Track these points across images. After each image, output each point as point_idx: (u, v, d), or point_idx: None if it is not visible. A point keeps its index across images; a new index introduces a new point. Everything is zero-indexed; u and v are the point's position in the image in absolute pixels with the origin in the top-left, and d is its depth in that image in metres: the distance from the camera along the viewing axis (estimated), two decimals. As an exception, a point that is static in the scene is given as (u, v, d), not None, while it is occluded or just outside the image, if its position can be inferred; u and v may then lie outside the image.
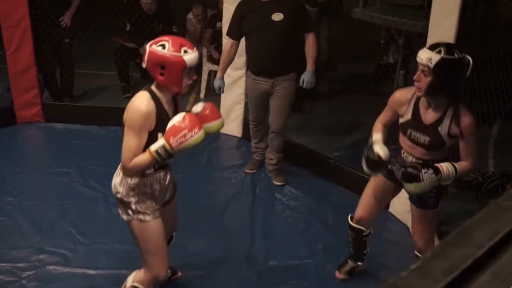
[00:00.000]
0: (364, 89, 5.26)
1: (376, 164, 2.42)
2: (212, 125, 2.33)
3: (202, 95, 5.67)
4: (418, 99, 2.43)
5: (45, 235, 3.27)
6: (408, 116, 2.45)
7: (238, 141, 4.74)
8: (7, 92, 4.83)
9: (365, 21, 4.18)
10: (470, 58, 2.29)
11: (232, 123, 4.76)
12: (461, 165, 2.37)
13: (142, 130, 2.11)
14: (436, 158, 2.42)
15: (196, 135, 2.09)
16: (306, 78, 3.64)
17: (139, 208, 2.27)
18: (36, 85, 4.76)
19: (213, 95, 5.54)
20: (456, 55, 2.25)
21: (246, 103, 4.67)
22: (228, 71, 4.58)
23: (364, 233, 2.86)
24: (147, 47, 2.12)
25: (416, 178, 2.26)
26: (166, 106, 2.23)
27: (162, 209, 2.40)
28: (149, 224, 2.29)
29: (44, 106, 4.87)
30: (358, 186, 3.86)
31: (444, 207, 3.55)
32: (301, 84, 3.68)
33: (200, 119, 2.20)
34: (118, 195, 2.28)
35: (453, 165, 2.33)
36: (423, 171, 2.26)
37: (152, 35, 5.17)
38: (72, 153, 4.32)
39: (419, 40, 3.52)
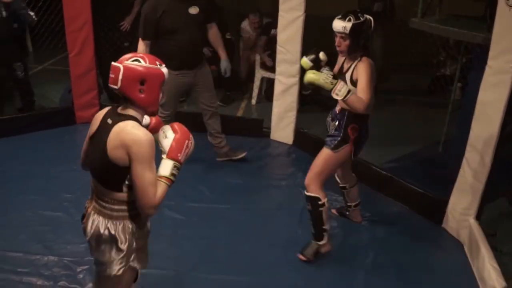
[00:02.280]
0: (418, 100, 5.15)
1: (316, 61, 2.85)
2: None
3: (254, 101, 5.72)
4: (345, 59, 3.05)
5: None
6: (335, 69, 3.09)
7: (289, 148, 4.74)
8: (68, 93, 5.03)
9: (423, 31, 4.10)
10: (371, 18, 2.91)
11: (283, 130, 4.78)
12: (355, 94, 2.81)
13: (152, 160, 1.93)
14: (353, 110, 2.89)
15: (192, 140, 2.06)
16: (227, 67, 4.16)
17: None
18: (96, 87, 4.94)
19: (264, 102, 5.62)
20: (361, 18, 2.85)
21: (298, 111, 4.68)
22: (281, 78, 4.62)
23: (320, 202, 3.06)
24: (119, 65, 1.93)
25: (317, 67, 2.79)
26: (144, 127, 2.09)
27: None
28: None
29: (102, 107, 5.01)
30: (409, 199, 3.81)
31: (501, 223, 3.46)
32: (223, 74, 4.18)
33: (155, 128, 2.16)
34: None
35: (349, 90, 2.77)
36: (326, 68, 2.79)
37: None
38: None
39: (481, 52, 3.42)
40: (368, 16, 2.90)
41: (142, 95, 1.95)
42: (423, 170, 4.29)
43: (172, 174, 1.98)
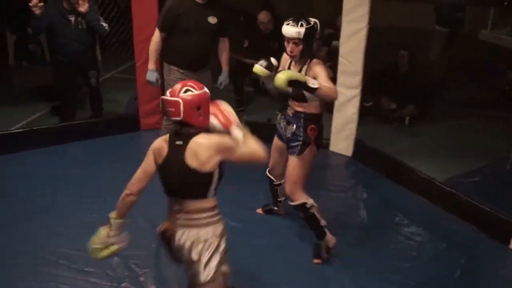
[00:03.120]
0: (485, 113, 4.97)
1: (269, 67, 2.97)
2: None
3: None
4: (290, 62, 3.13)
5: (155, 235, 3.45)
6: None
7: (348, 160, 4.70)
8: (134, 100, 5.22)
9: (492, 44, 3.97)
10: (317, 21, 2.98)
11: (343, 142, 4.74)
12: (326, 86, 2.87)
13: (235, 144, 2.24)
14: (308, 110, 3.08)
15: (224, 106, 2.35)
16: (224, 81, 4.31)
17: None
18: (160, 95, 5.08)
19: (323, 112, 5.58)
20: (311, 23, 2.93)
21: (358, 123, 4.63)
22: (342, 89, 4.59)
23: (308, 205, 3.17)
24: (177, 99, 2.16)
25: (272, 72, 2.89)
26: None
27: None
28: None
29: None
30: (473, 217, 3.67)
31: None
32: (218, 85, 4.23)
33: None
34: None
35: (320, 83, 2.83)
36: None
37: (269, 52, 5.36)
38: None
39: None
40: (315, 20, 2.98)
41: (201, 118, 2.21)
42: (489, 187, 4.12)
43: (244, 131, 2.27)
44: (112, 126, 5.09)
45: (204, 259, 2.25)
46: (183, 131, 2.22)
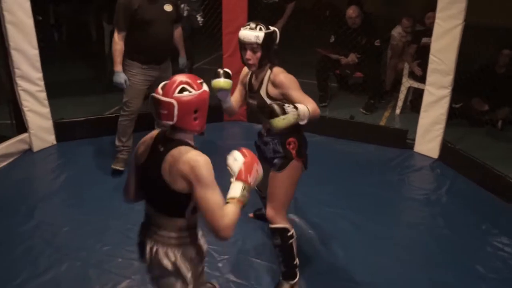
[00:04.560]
0: None
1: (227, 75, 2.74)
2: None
3: (398, 111, 5.55)
4: (252, 73, 2.80)
5: (237, 225, 3.51)
6: (246, 88, 2.86)
7: (434, 162, 4.52)
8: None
9: None
10: (276, 29, 2.67)
11: (429, 143, 4.57)
12: (309, 107, 2.49)
13: (214, 180, 1.83)
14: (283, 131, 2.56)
15: (260, 167, 1.99)
16: (183, 62, 4.27)
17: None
18: (244, 87, 5.18)
19: (408, 112, 5.42)
20: (270, 28, 2.63)
21: (446, 125, 4.45)
22: (432, 89, 4.42)
23: (289, 233, 2.77)
24: (171, 100, 1.82)
25: (282, 111, 2.36)
26: None
27: None
28: None
29: (247, 107, 5.26)
30: None
31: None
32: (181, 67, 4.20)
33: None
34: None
35: (306, 106, 2.47)
36: (286, 105, 2.38)
37: (356, 48, 5.28)
38: (268, 153, 4.60)
39: None
40: (275, 28, 2.66)
41: (196, 122, 1.89)
42: None
43: (243, 196, 1.89)
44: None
45: (169, 283, 1.98)
46: (169, 135, 1.92)
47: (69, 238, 3.35)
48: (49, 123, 4.56)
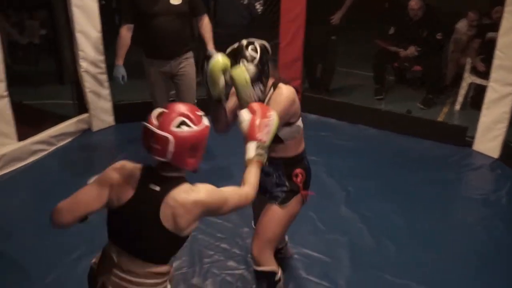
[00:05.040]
0: None
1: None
2: None
3: (457, 107, 5.36)
4: None
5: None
6: None
7: (494, 162, 4.34)
8: (273, 80, 5.32)
9: None
10: (263, 43, 2.20)
11: (489, 142, 4.40)
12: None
13: (216, 191, 1.73)
14: (286, 154, 2.33)
15: (274, 117, 1.94)
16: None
17: None
18: (300, 76, 5.16)
19: (468, 109, 5.23)
20: (256, 50, 2.14)
21: (509, 124, 4.27)
22: (496, 86, 4.25)
23: (276, 278, 2.42)
24: (167, 135, 1.61)
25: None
26: None
27: None
28: None
29: (303, 96, 5.24)
30: None
31: None
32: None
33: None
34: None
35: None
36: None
37: (416, 40, 5.14)
38: (321, 144, 4.55)
39: None
40: (262, 42, 2.20)
41: (192, 160, 1.68)
42: None
43: (258, 154, 1.89)
44: (251, 103, 5.23)
45: None
46: (164, 173, 1.69)
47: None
48: (109, 105, 4.70)
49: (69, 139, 4.47)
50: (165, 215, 1.64)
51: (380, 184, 3.94)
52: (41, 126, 4.33)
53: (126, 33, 3.68)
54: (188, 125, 1.64)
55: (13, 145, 3.96)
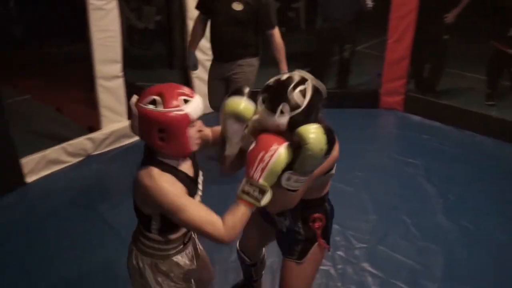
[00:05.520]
0: None
1: None
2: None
3: None
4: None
5: (380, 215, 3.45)
6: None
7: None
8: (377, 77, 5.20)
9: None
10: (317, 86, 1.70)
11: None
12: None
13: (183, 197, 1.64)
14: (309, 196, 1.90)
15: (277, 153, 1.59)
16: None
17: None
18: (405, 75, 4.97)
19: None
20: (306, 95, 1.66)
21: None
22: None
23: (246, 263, 2.41)
24: (134, 109, 1.63)
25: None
26: (185, 167, 1.76)
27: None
28: None
29: (406, 96, 5.06)
30: None
31: None
32: None
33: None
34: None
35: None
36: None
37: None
38: (422, 147, 4.39)
39: None
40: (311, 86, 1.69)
41: (162, 143, 1.63)
42: None
43: (245, 192, 1.61)
44: (352, 100, 5.16)
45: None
46: (150, 152, 1.72)
47: (215, 195, 3.56)
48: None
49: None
50: (135, 189, 1.72)
51: (484, 195, 3.70)
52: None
53: (198, 22, 3.64)
54: (155, 105, 1.61)
55: (123, 122, 4.24)
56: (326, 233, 2.07)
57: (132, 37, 6.91)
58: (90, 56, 3.94)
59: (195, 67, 3.77)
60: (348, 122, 4.81)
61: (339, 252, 3.09)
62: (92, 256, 3.01)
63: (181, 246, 1.89)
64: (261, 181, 1.60)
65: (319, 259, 2.10)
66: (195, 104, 1.64)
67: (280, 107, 1.64)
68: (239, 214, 1.62)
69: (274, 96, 1.66)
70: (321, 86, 1.72)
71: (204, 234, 1.63)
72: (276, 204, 1.72)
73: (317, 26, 5.27)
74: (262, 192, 1.61)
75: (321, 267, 2.93)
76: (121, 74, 4.11)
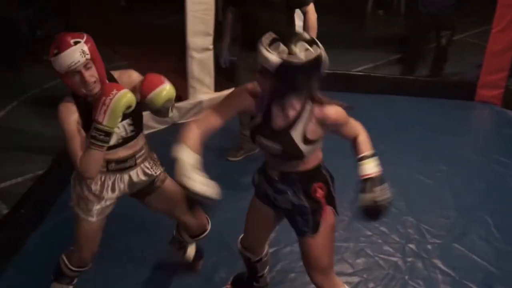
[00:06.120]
0: None
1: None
2: (155, 93, 2.00)
3: None
4: (270, 106, 1.90)
5: (460, 212, 3.28)
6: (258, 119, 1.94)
7: None
8: (476, 68, 4.90)
9: None
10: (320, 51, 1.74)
11: None
12: (364, 143, 1.95)
13: (68, 127, 1.97)
14: (304, 167, 1.98)
15: (117, 95, 1.88)
16: None
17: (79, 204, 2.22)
18: (507, 68, 4.64)
19: None
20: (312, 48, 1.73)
21: None
22: None
23: (252, 260, 2.41)
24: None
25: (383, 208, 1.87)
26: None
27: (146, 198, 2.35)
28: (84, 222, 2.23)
29: (506, 91, 4.73)
30: None
31: None
32: None
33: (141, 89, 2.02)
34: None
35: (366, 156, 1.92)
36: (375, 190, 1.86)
37: None
38: (513, 146, 4.12)
39: None
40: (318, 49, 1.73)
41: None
42: None
43: (92, 137, 1.91)
44: (446, 90, 4.91)
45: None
46: None
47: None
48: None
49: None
50: None
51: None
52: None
53: (229, 16, 3.53)
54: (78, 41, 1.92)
55: (210, 94, 4.36)
56: (331, 200, 2.08)
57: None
58: (184, 28, 4.07)
59: (227, 63, 3.68)
60: (439, 113, 4.61)
61: (410, 245, 3.00)
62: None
63: (103, 169, 2.15)
64: (105, 122, 1.88)
65: (332, 227, 2.10)
66: (62, 58, 1.88)
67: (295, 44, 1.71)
68: (91, 156, 1.94)
69: (288, 35, 1.76)
70: (326, 60, 1.77)
71: (73, 160, 1.98)
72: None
73: (413, 10, 5.07)
74: (108, 134, 1.91)
75: (389, 258, 2.91)
76: (211, 47, 4.21)
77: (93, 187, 2.17)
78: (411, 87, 4.93)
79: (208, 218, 2.55)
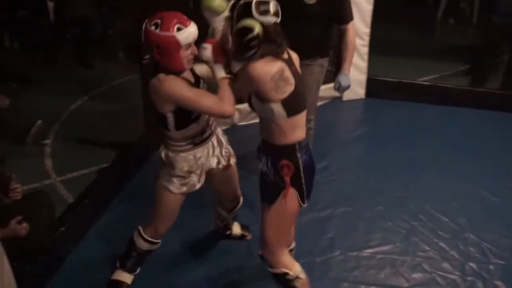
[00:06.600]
0: None
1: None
2: None
3: None
4: None
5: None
6: None
7: None
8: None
9: None
10: None
11: None
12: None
13: (184, 87, 2.11)
14: (271, 140, 2.10)
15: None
16: (342, 82, 2.93)
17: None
18: None
19: None
20: None
21: None
22: None
23: (289, 276, 2.25)
24: (144, 24, 2.09)
25: None
26: (185, 75, 2.21)
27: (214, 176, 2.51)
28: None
29: None
30: None
31: None
32: (335, 89, 3.00)
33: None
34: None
35: None
36: None
37: None
38: None
39: None
40: None
41: (159, 57, 2.10)
42: None
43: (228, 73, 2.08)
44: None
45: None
46: (154, 66, 2.22)
47: (348, 185, 3.55)
48: (363, 77, 4.75)
49: (320, 103, 4.67)
50: (150, 94, 2.20)
51: None
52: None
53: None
54: (155, 27, 2.06)
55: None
56: (298, 184, 2.12)
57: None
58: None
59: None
60: (509, 127, 4.39)
61: (471, 264, 2.88)
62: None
63: (190, 146, 2.31)
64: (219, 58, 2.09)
65: (289, 209, 2.15)
66: (186, 34, 2.06)
67: None
68: (227, 88, 2.07)
69: None
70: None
71: (211, 112, 2.15)
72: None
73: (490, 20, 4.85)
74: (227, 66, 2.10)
75: (447, 275, 2.80)
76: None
77: (183, 163, 2.33)
78: (480, 99, 4.72)
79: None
